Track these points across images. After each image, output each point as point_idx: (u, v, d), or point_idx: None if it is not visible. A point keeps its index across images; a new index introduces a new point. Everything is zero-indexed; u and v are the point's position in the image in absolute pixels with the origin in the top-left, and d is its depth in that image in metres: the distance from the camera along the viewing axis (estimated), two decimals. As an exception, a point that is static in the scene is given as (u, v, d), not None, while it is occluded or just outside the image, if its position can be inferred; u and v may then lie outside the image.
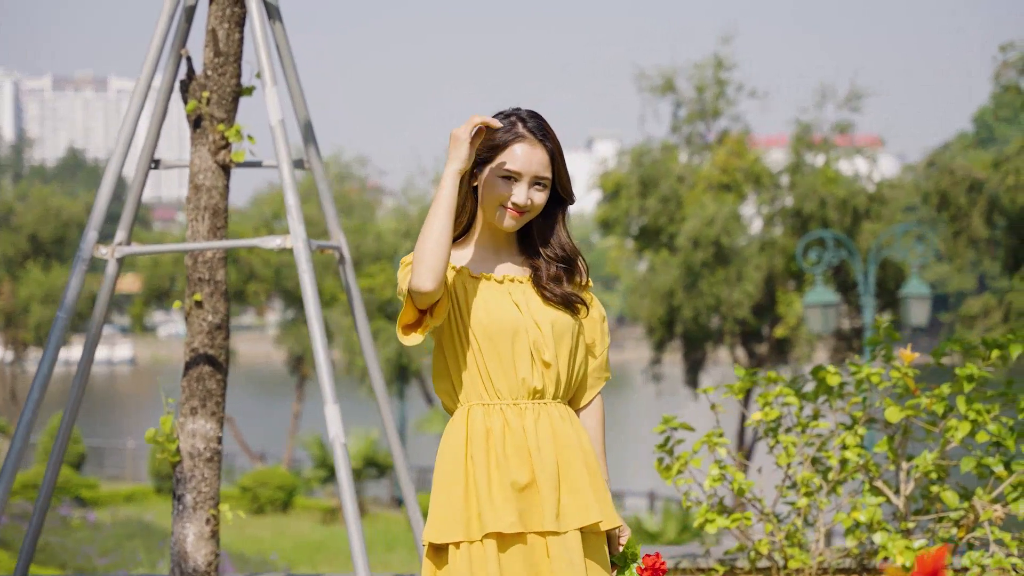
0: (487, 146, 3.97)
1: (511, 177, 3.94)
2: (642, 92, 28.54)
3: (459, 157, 3.87)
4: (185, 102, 6.19)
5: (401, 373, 33.15)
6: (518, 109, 4.01)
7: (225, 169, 6.14)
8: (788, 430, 6.15)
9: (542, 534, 3.87)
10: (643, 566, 3.96)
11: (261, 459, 35.38)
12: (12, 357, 44.88)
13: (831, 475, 6.02)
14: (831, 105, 28.03)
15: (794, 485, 6.08)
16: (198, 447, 6.11)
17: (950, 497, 5.86)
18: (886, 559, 5.99)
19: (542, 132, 3.97)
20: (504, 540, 3.85)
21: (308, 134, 6.42)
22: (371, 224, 36.01)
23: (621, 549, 4.04)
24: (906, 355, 6.01)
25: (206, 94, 6.11)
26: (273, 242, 5.97)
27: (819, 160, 28.01)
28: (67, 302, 5.99)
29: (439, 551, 3.93)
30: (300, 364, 36.51)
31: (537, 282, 4.03)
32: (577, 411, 4.15)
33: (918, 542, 5.78)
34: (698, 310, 27.32)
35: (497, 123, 3.92)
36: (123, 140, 6.09)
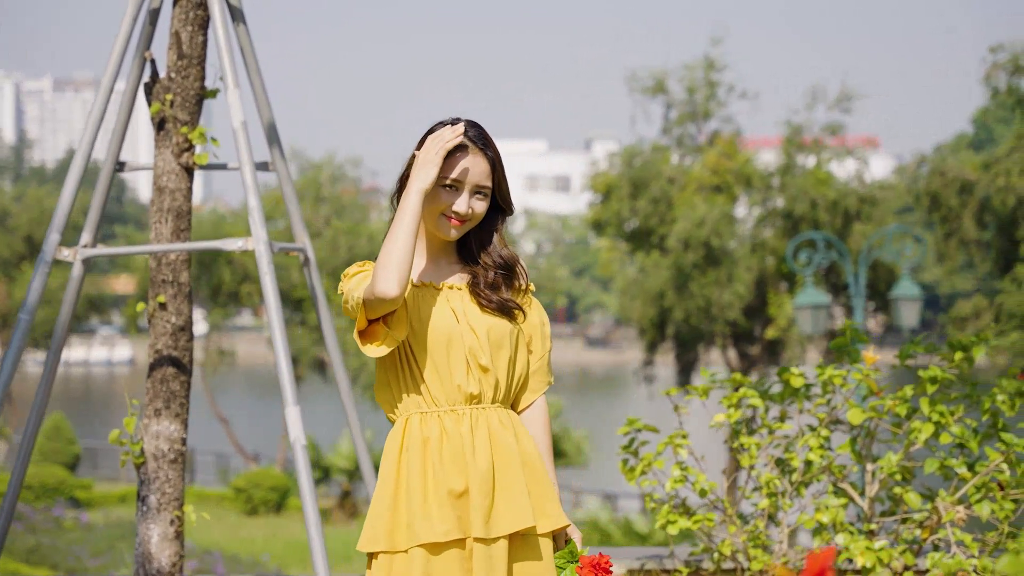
0: None
1: (452, 186, 3.96)
2: (633, 93, 28.64)
3: (427, 177, 3.89)
4: (149, 105, 6.20)
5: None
6: (458, 119, 4.03)
7: (189, 171, 6.16)
8: (753, 432, 6.17)
9: (474, 539, 3.89)
10: (582, 565, 3.96)
11: (255, 460, 35.39)
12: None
13: (795, 477, 6.03)
14: (822, 106, 28.12)
15: (758, 487, 6.10)
16: (162, 448, 6.13)
17: (912, 498, 5.88)
18: (849, 560, 6.01)
19: (483, 141, 3.99)
20: (438, 548, 3.87)
21: (272, 136, 6.43)
22: (364, 225, 36.01)
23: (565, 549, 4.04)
24: (868, 357, 6.04)
25: (169, 97, 6.13)
26: (235, 244, 5.98)
27: (810, 161, 28.05)
28: (29, 304, 6.01)
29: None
30: (295, 365, 36.57)
31: (474, 289, 4.05)
32: (519, 414, 4.16)
33: (879, 543, 5.79)
34: (689, 311, 27.33)
35: (458, 140, 3.95)
36: (86, 143, 6.11)
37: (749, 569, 6.02)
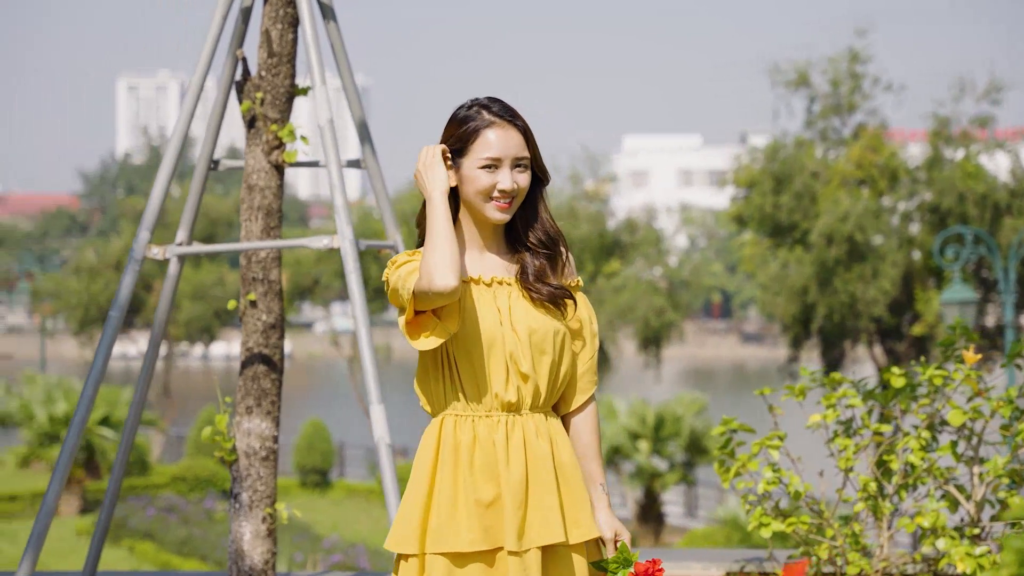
0: (456, 140, 3.91)
1: (491, 165, 3.86)
2: (776, 87, 28.27)
3: (440, 179, 3.84)
4: (240, 103, 6.24)
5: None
6: (477, 98, 3.94)
7: (278, 169, 6.17)
8: (854, 433, 6.03)
9: (507, 552, 3.80)
10: (634, 572, 3.86)
11: (403, 454, 35.62)
12: (164, 353, 45.75)
13: (895, 479, 5.88)
14: (970, 98, 27.45)
15: (858, 489, 5.96)
16: (254, 446, 6.15)
17: (1018, 502, 5.69)
18: (951, 565, 5.85)
19: (509, 113, 3.90)
20: (465, 557, 3.79)
21: (363, 134, 6.41)
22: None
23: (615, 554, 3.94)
24: (969, 356, 5.87)
25: (260, 95, 6.15)
26: (320, 242, 5.98)
27: (958, 155, 27.42)
28: (120, 301, 6.06)
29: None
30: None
31: (524, 280, 3.94)
32: (566, 417, 4.05)
33: (980, 548, 5.62)
34: (832, 308, 26.88)
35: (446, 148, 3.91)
36: (175, 141, 6.16)
37: (846, 574, 5.87)
